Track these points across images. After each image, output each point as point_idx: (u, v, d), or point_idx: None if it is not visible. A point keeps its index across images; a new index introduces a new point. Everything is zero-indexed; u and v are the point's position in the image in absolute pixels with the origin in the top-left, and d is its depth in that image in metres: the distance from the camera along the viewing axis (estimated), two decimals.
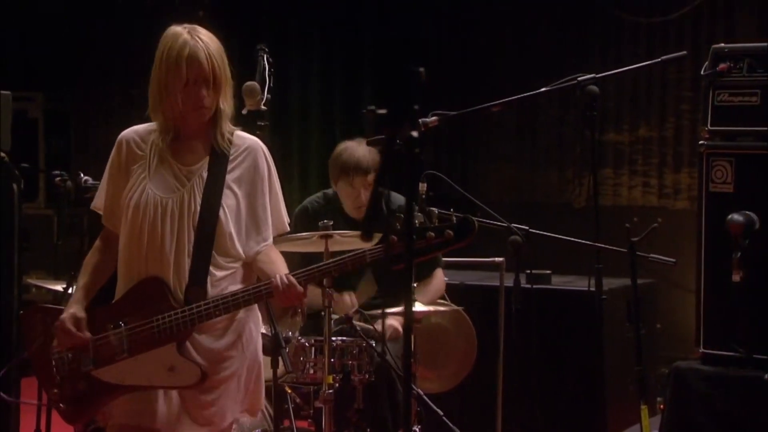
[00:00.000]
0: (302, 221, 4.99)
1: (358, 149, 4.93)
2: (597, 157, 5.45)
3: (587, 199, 7.09)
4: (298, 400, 4.79)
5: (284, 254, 3.58)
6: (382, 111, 2.76)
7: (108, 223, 3.50)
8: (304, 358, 4.48)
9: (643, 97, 6.94)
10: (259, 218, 3.44)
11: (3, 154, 4.96)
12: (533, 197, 7.34)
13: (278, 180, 3.53)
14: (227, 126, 3.43)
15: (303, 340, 4.50)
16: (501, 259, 5.34)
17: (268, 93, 4.20)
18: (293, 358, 4.42)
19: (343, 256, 3.40)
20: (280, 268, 3.37)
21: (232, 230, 3.37)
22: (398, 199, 4.18)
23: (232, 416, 3.46)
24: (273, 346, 4.05)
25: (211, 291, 3.33)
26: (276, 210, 3.50)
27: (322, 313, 4.22)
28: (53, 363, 3.42)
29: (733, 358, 4.26)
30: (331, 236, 4.29)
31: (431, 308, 4.79)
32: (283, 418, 4.37)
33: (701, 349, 4.58)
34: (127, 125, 3.55)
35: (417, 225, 3.19)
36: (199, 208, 3.34)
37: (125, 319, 3.34)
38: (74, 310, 3.37)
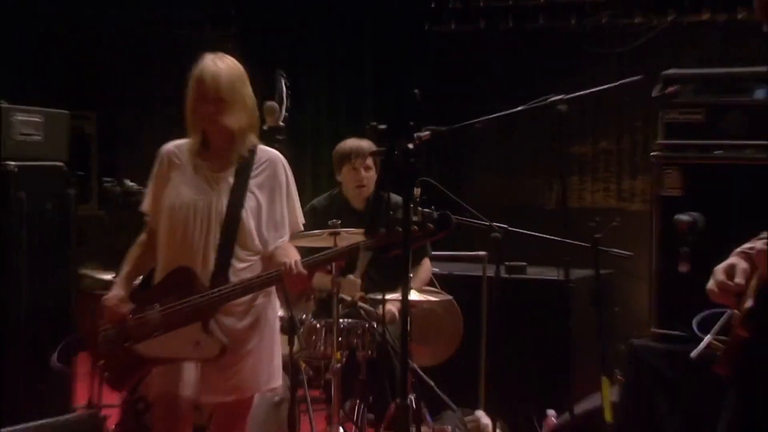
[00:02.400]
0: (311, 219, 4.98)
1: (356, 140, 5.02)
2: (565, 166, 5.44)
3: (557, 202, 7.07)
4: (311, 373, 4.78)
5: (296, 249, 3.57)
6: (383, 126, 2.74)
7: (152, 224, 3.52)
8: (316, 337, 4.46)
9: (604, 115, 6.92)
10: (277, 219, 3.45)
11: (62, 164, 4.95)
12: (511, 200, 7.31)
13: (295, 187, 3.55)
14: (250, 140, 3.43)
15: (315, 322, 4.48)
16: (484, 252, 5.32)
17: (285, 111, 4.19)
18: (306, 337, 4.41)
19: (342, 247, 3.50)
20: (293, 259, 3.37)
21: (253, 228, 3.38)
22: (397, 198, 4.16)
23: (255, 388, 3.47)
24: (289, 327, 4.03)
25: (233, 279, 3.34)
26: (292, 212, 3.50)
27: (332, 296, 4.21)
28: (100, 339, 3.46)
29: (680, 336, 4.23)
30: (339, 233, 4.28)
31: (425, 298, 4.76)
32: (298, 388, 4.34)
33: (653, 329, 4.56)
34: (166, 139, 3.57)
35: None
36: (225, 208, 3.37)
37: (160, 301, 3.37)
38: (116, 291, 3.42)
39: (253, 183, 3.42)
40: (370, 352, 4.48)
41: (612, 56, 6.71)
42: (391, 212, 3.29)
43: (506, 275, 4.66)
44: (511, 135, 7.31)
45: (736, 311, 2.69)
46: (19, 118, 4.73)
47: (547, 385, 5.17)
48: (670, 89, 4.47)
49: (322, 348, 4.45)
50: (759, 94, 4.32)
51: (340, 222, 4.31)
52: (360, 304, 4.61)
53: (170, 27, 7.81)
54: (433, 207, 4.00)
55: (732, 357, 2.64)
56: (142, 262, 3.53)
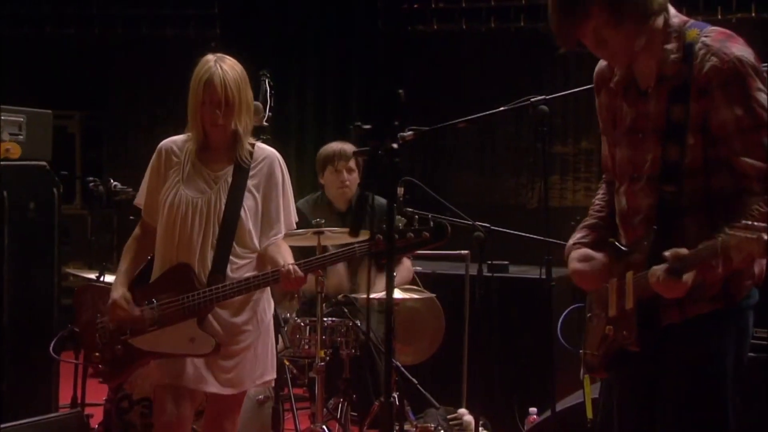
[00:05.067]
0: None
1: (339, 143, 5.06)
2: (546, 165, 5.44)
3: (539, 201, 7.09)
4: (295, 371, 4.78)
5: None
6: (367, 126, 2.74)
7: (147, 217, 3.54)
8: (300, 336, 4.46)
9: (585, 115, 6.94)
10: (272, 217, 3.48)
11: (45, 164, 4.92)
12: (493, 199, 7.33)
13: (290, 186, 3.57)
14: (248, 140, 3.46)
15: (299, 321, 4.48)
16: (466, 251, 5.32)
17: (269, 111, 4.18)
18: (291, 336, 4.41)
19: (338, 251, 3.50)
20: (287, 258, 3.42)
21: (251, 227, 3.42)
22: (381, 200, 4.16)
23: (250, 382, 3.50)
24: (274, 326, 4.03)
25: (231, 276, 3.38)
26: (287, 210, 3.53)
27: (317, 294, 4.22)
28: (97, 331, 3.50)
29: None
30: (322, 233, 4.28)
31: (408, 296, 4.77)
32: (282, 386, 4.34)
33: None
34: (151, 139, 3.56)
35: (400, 227, 3.20)
36: (223, 207, 3.40)
37: (157, 297, 3.41)
38: (122, 291, 3.44)
39: (250, 182, 3.44)
40: (353, 350, 4.48)
41: (593, 56, 6.73)
42: (383, 216, 3.29)
43: (489, 274, 4.66)
44: (493, 135, 7.32)
45: (596, 314, 2.75)
46: (2, 117, 4.70)
47: (529, 382, 5.17)
48: None
49: (305, 346, 4.45)
50: None
51: (324, 221, 4.31)
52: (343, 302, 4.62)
53: (155, 26, 7.78)
54: (414, 210, 4.02)
55: (608, 361, 2.70)
56: (138, 256, 3.55)
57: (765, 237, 2.22)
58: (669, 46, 2.53)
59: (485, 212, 4.84)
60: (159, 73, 7.69)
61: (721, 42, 2.49)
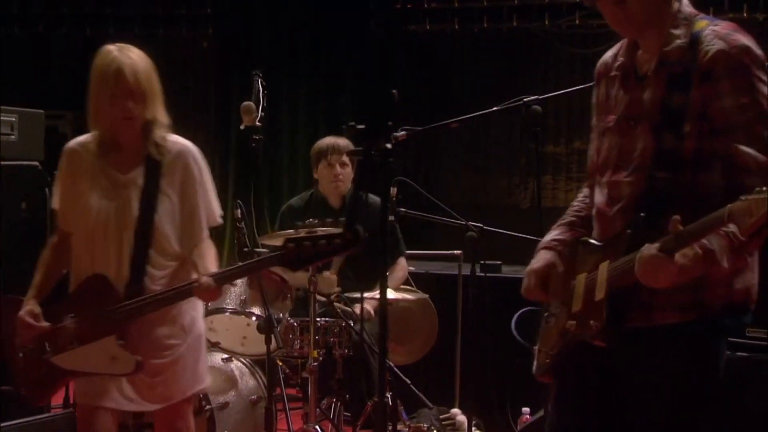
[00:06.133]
0: (288, 217, 5.02)
1: (333, 138, 5.09)
2: (539, 165, 5.46)
3: (531, 201, 7.10)
4: (287, 371, 4.78)
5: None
6: (361, 126, 2.73)
7: (61, 223, 3.35)
8: (293, 336, 4.45)
9: (577, 115, 6.95)
10: (192, 218, 3.26)
11: (37, 164, 4.91)
12: (486, 199, 7.34)
13: (210, 177, 3.33)
14: (159, 134, 3.23)
15: (292, 321, 4.48)
16: (459, 251, 5.33)
17: (262, 111, 4.17)
18: (283, 336, 4.40)
19: (250, 261, 3.33)
20: (208, 266, 3.20)
21: (168, 231, 3.22)
22: (375, 200, 4.16)
23: (180, 395, 3.32)
24: (266, 326, 4.03)
25: (152, 287, 3.18)
26: (208, 206, 3.31)
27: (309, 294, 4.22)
28: (19, 349, 3.30)
29: None
30: (315, 231, 4.27)
31: (401, 296, 4.78)
32: (275, 386, 4.34)
33: None
34: None
35: (313, 234, 3.14)
36: (136, 213, 3.19)
37: (76, 311, 3.21)
38: (30, 305, 3.24)
39: (164, 182, 3.22)
40: (346, 350, 4.48)
41: (586, 56, 6.75)
42: (298, 222, 3.21)
43: (482, 274, 4.66)
44: (486, 135, 7.33)
45: (554, 314, 2.71)
46: None
47: (522, 382, 5.18)
48: None
49: (298, 346, 4.44)
50: None
51: (317, 221, 4.31)
52: (336, 304, 4.62)
53: (147, 26, 7.77)
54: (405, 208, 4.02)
55: (561, 360, 2.64)
56: (53, 267, 3.35)
57: None
58: (676, 31, 2.50)
59: (478, 212, 4.85)
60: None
61: (730, 31, 2.46)
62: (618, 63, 2.65)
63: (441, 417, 4.85)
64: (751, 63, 2.42)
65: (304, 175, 6.94)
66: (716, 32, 2.46)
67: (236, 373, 4.63)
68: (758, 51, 2.46)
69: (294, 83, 7.34)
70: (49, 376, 3.27)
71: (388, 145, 2.53)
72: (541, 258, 2.70)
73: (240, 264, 3.35)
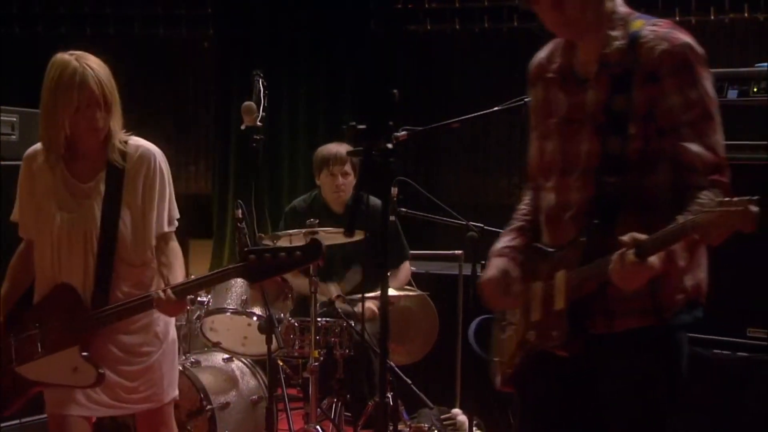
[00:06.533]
0: (291, 218, 5.02)
1: (335, 146, 5.08)
2: None
3: None
4: (288, 371, 4.79)
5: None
6: (362, 126, 2.73)
7: (23, 234, 3.32)
8: (294, 336, 4.46)
9: None
10: (155, 223, 3.22)
11: None
12: (486, 199, 7.33)
13: (170, 179, 3.28)
14: (118, 139, 3.19)
15: (293, 321, 4.49)
16: (460, 251, 5.33)
17: (262, 111, 4.17)
18: (284, 336, 4.41)
19: (213, 272, 3.27)
20: (175, 274, 3.18)
21: (132, 239, 3.18)
22: (375, 201, 4.17)
23: (159, 399, 3.30)
24: (267, 326, 4.03)
25: (117, 295, 3.17)
26: (167, 209, 3.25)
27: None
28: None
29: None
30: (316, 233, 4.28)
31: (401, 293, 4.78)
32: (276, 386, 4.34)
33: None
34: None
35: (272, 246, 3.13)
36: (99, 222, 3.15)
37: (41, 320, 3.18)
38: None
39: (126, 189, 3.17)
40: (347, 350, 4.48)
41: None
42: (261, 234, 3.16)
43: (482, 274, 4.66)
44: (486, 135, 7.33)
45: (509, 322, 2.68)
46: None
47: None
48: None
49: (299, 346, 4.45)
50: (731, 94, 4.35)
51: (318, 221, 4.32)
52: (337, 304, 4.63)
53: (147, 26, 7.77)
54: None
55: (522, 371, 2.62)
56: (21, 276, 3.32)
57: (754, 208, 2.09)
58: (614, 33, 2.47)
59: (479, 212, 4.84)
60: (151, 73, 7.68)
61: (670, 30, 2.44)
62: (555, 65, 2.62)
63: (442, 417, 4.85)
64: (695, 61, 2.41)
65: (305, 175, 6.94)
66: (656, 32, 2.44)
67: (237, 373, 4.63)
68: (700, 48, 2.45)
69: (294, 83, 7.34)
70: (14, 386, 3.25)
71: (389, 145, 2.53)
72: (494, 266, 2.66)
73: (200, 276, 3.25)
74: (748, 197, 2.12)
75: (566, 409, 2.56)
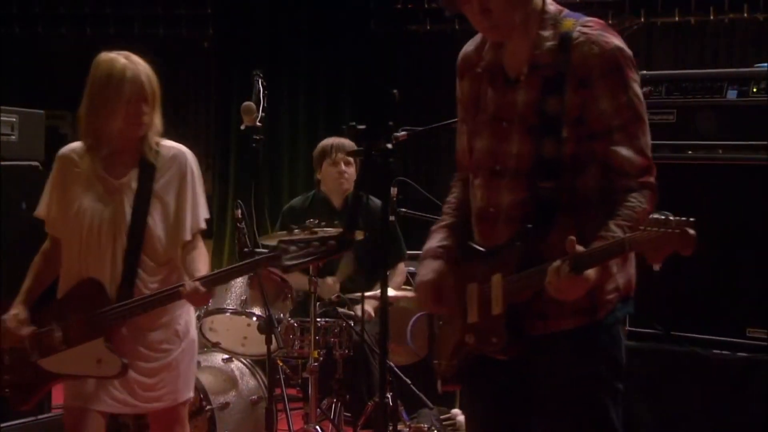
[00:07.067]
0: (290, 218, 5.02)
1: (337, 137, 5.10)
2: None
3: None
4: (288, 371, 4.78)
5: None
6: (362, 127, 2.73)
7: (50, 230, 3.36)
8: (293, 336, 4.46)
9: None
10: (183, 221, 3.27)
11: (38, 164, 4.91)
12: None
13: (201, 182, 3.37)
14: (155, 138, 3.27)
15: (292, 321, 4.48)
16: None
17: (262, 111, 4.17)
18: (284, 336, 4.41)
19: (242, 263, 3.31)
20: (199, 270, 3.20)
21: (161, 235, 3.23)
22: (375, 201, 4.16)
23: (174, 399, 3.33)
24: (267, 326, 4.04)
25: (143, 290, 3.21)
26: (195, 211, 3.31)
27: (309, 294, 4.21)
28: (6, 352, 3.31)
29: (653, 334, 4.25)
30: (316, 233, 4.27)
31: (400, 293, 4.78)
32: (275, 387, 4.34)
33: (627, 327, 4.58)
34: None
35: (308, 236, 3.14)
36: (129, 217, 3.21)
37: (65, 314, 3.23)
38: (17, 310, 3.26)
39: (157, 186, 3.24)
40: (347, 350, 4.48)
41: None
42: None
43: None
44: None
45: (447, 322, 2.66)
46: None
47: None
48: (643, 90, 4.49)
49: (299, 347, 4.45)
50: (730, 95, 4.36)
51: (317, 221, 4.32)
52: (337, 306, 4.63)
53: (147, 26, 7.77)
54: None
55: (463, 371, 2.60)
56: (44, 273, 3.36)
57: (691, 232, 2.12)
58: (545, 33, 2.46)
59: None
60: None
61: (600, 32, 2.43)
62: (484, 61, 2.59)
63: (441, 417, 4.85)
64: (624, 64, 2.42)
65: (304, 175, 6.95)
66: (587, 35, 2.42)
67: (237, 373, 4.63)
68: (628, 50, 2.45)
69: (294, 83, 7.34)
70: (37, 379, 3.28)
71: (389, 145, 2.53)
72: (429, 268, 2.63)
73: (231, 266, 3.30)
74: (686, 219, 2.14)
75: (510, 411, 2.55)
